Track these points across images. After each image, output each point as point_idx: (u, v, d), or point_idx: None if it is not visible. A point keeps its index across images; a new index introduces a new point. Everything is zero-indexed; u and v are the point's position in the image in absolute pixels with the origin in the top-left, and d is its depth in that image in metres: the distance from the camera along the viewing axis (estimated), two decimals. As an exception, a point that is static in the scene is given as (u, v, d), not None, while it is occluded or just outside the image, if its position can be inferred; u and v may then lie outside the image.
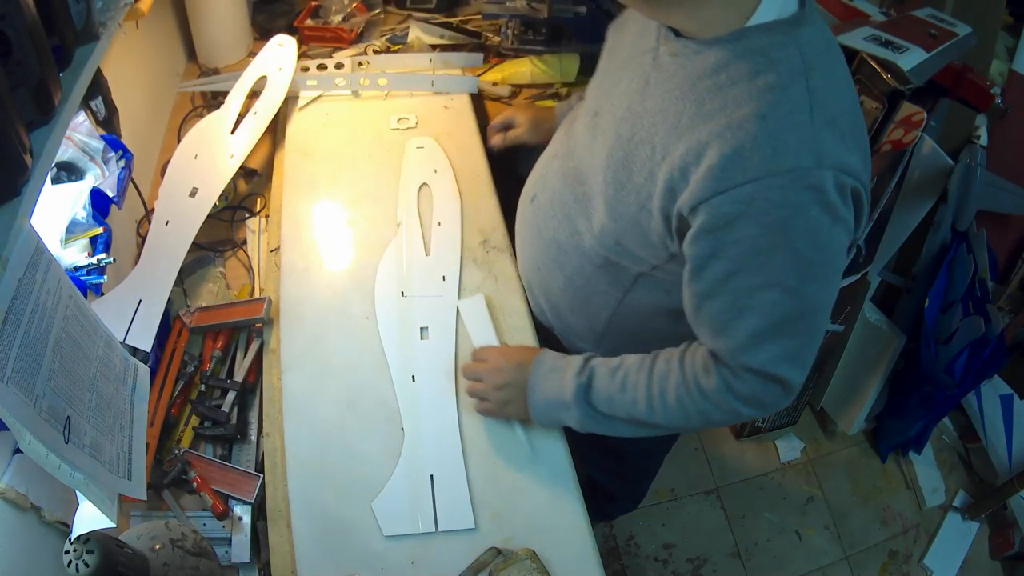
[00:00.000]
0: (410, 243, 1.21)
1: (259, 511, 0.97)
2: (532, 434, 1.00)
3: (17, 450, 0.77)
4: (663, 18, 0.79)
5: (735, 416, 0.86)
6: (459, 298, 1.14)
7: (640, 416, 0.89)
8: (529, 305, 1.16)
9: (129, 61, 1.32)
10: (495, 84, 1.65)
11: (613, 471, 1.51)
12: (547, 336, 1.15)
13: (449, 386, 1.03)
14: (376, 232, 1.25)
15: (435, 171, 1.34)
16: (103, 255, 0.93)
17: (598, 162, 0.88)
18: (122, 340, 1.00)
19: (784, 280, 0.73)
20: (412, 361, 1.05)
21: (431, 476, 0.94)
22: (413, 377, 1.04)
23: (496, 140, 1.38)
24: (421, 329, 1.09)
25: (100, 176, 1.01)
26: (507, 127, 1.38)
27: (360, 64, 1.61)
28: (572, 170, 0.96)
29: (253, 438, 1.05)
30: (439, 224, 1.25)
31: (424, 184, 1.32)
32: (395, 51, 1.71)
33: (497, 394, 0.98)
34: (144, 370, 0.83)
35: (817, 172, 0.68)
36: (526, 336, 1.12)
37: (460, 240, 1.23)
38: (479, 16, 1.79)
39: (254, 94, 1.45)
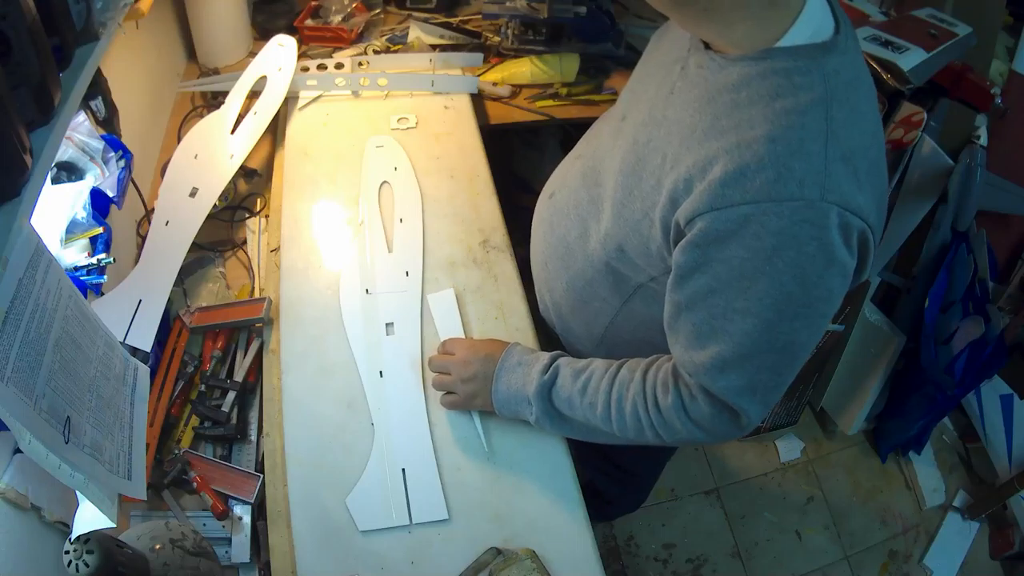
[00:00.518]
0: (372, 241, 1.22)
1: (259, 511, 0.97)
2: (532, 434, 1.00)
3: (17, 450, 0.77)
4: (693, 28, 0.78)
5: (688, 437, 0.84)
6: (423, 293, 1.15)
7: (596, 422, 0.89)
8: (530, 306, 1.16)
9: (129, 61, 1.32)
10: (495, 84, 1.65)
11: (613, 476, 1.51)
12: (549, 337, 1.15)
13: (416, 380, 1.04)
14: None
15: (395, 169, 1.35)
16: (103, 255, 0.93)
17: (614, 165, 0.87)
18: (122, 340, 1.01)
19: (763, 311, 0.71)
20: (379, 357, 1.06)
21: (403, 470, 0.95)
22: (381, 373, 1.04)
23: None
24: (387, 325, 1.10)
25: (100, 176, 1.01)
26: None
27: (360, 64, 1.61)
28: (592, 171, 0.95)
29: (253, 438, 1.05)
30: (400, 221, 1.26)
31: (385, 182, 1.32)
32: (395, 51, 1.71)
33: (464, 387, 0.98)
34: (144, 370, 0.83)
35: (820, 205, 0.66)
36: (527, 337, 1.12)
37: (422, 236, 1.24)
38: (479, 16, 1.79)
39: (254, 94, 1.45)
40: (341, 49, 1.71)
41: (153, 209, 1.23)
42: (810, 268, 0.68)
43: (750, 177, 0.67)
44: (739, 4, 0.70)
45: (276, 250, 1.23)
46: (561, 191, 1.03)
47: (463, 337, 1.09)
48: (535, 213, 1.13)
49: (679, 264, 0.75)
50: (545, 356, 0.95)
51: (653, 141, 0.80)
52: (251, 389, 1.09)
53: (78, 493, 0.66)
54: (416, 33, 1.76)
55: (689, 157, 0.73)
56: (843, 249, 0.68)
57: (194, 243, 1.18)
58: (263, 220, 1.35)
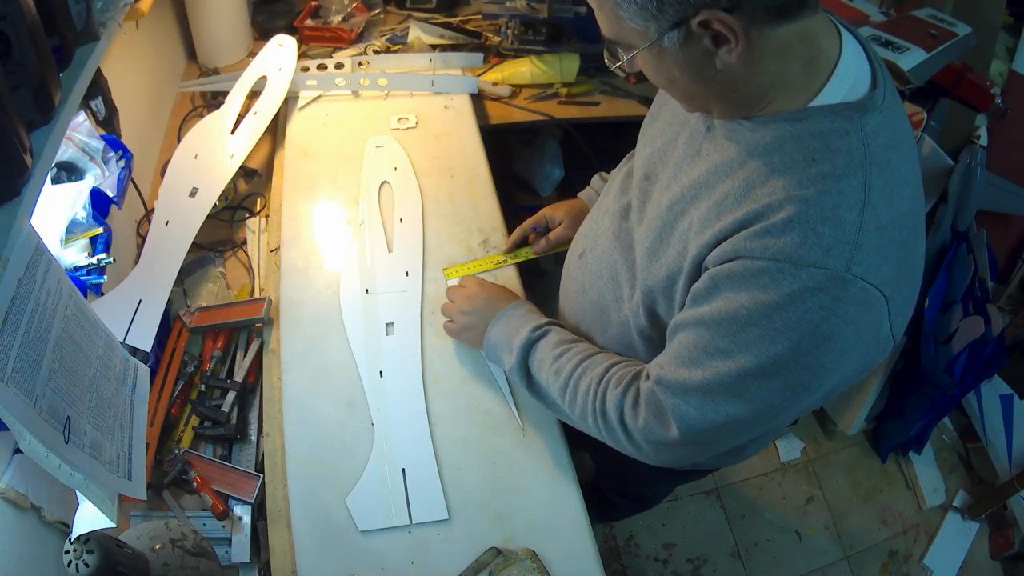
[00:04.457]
0: (372, 241, 1.22)
1: (259, 511, 0.97)
2: (531, 433, 1.00)
3: (17, 450, 0.77)
4: (732, 116, 0.73)
5: (618, 439, 0.83)
6: (423, 292, 1.16)
7: (554, 393, 0.91)
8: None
9: (129, 61, 1.32)
10: (495, 84, 1.66)
11: (630, 496, 1.51)
12: None
13: (416, 380, 1.04)
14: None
15: (395, 169, 1.35)
16: (103, 255, 0.93)
17: (642, 230, 0.84)
18: (122, 340, 1.01)
19: (743, 360, 0.68)
20: (379, 357, 1.07)
21: (403, 470, 0.95)
22: (381, 373, 1.05)
23: (542, 245, 1.21)
24: (387, 325, 1.11)
25: (100, 176, 1.01)
26: (547, 229, 1.23)
27: (360, 64, 1.61)
28: (626, 232, 0.89)
29: (253, 438, 1.05)
30: (400, 221, 1.26)
31: (385, 182, 1.32)
32: (395, 51, 1.71)
33: (462, 318, 1.05)
34: (144, 370, 0.83)
35: (843, 277, 0.62)
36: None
37: (422, 235, 1.24)
38: (479, 16, 1.80)
39: (254, 94, 1.45)
40: (341, 49, 1.71)
41: (153, 209, 1.23)
42: (807, 336, 0.65)
43: (776, 236, 0.64)
44: (778, 82, 0.67)
45: (276, 250, 1.23)
46: (593, 251, 0.97)
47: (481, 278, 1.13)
48: (564, 270, 1.08)
49: (693, 288, 0.73)
50: (543, 318, 0.98)
51: (677, 205, 0.77)
52: (251, 389, 1.09)
53: (78, 493, 0.66)
54: (416, 33, 1.76)
55: (718, 223, 0.70)
56: (850, 327, 0.64)
57: (194, 243, 1.18)
58: (263, 220, 1.35)
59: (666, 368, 0.76)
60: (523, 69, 1.68)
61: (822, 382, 0.69)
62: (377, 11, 1.83)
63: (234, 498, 0.98)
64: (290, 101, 1.49)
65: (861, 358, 0.68)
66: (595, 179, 1.23)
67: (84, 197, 0.95)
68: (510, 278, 1.20)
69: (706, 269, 0.71)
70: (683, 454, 0.80)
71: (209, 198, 1.25)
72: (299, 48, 1.53)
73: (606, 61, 0.74)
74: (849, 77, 0.67)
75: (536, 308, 1.02)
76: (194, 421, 1.05)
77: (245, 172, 1.40)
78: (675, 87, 0.72)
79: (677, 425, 0.75)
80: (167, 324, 1.13)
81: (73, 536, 0.64)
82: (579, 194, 1.25)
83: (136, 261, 1.15)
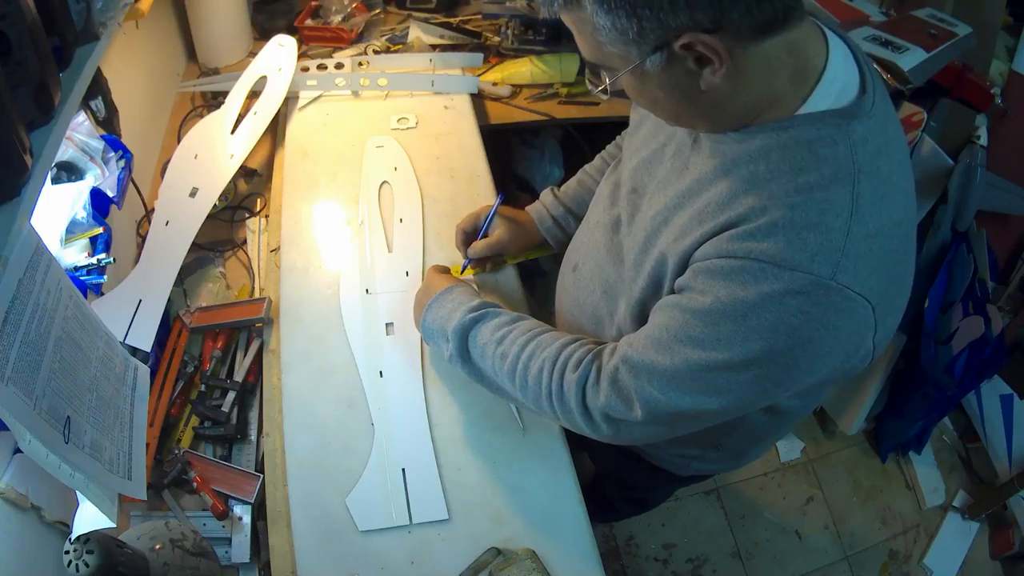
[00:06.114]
0: (372, 241, 1.22)
1: (259, 511, 0.97)
2: (532, 433, 1.00)
3: (17, 450, 0.77)
4: (721, 130, 0.72)
5: (575, 419, 0.81)
6: None
7: (502, 377, 0.87)
8: (529, 308, 1.16)
9: (129, 61, 1.32)
10: (495, 84, 1.66)
11: (630, 502, 1.51)
12: None
13: (416, 379, 1.04)
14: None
15: (395, 169, 1.35)
16: (103, 255, 0.94)
17: (630, 242, 0.83)
18: (122, 340, 1.01)
19: (714, 351, 0.67)
20: (379, 357, 1.06)
21: (403, 469, 0.95)
22: (381, 373, 1.05)
23: (479, 247, 1.14)
24: (386, 325, 1.10)
25: (100, 176, 1.02)
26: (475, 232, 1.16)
27: (360, 64, 1.61)
28: (617, 245, 0.88)
29: (253, 438, 1.05)
30: (400, 221, 1.26)
31: (385, 182, 1.32)
32: (395, 51, 1.71)
33: (413, 310, 1.04)
34: (144, 370, 0.83)
35: (827, 284, 0.61)
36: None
37: (422, 236, 1.24)
38: (479, 16, 1.80)
39: (254, 94, 1.45)
40: (341, 49, 1.71)
41: (153, 209, 1.23)
42: (784, 338, 0.64)
43: (759, 239, 0.63)
44: (765, 96, 0.66)
45: (276, 250, 1.23)
46: (585, 264, 0.96)
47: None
48: (558, 284, 1.06)
49: (677, 281, 0.73)
50: (481, 300, 0.94)
51: (661, 214, 0.76)
52: (251, 389, 1.09)
53: (78, 493, 0.66)
54: (416, 33, 1.76)
55: (699, 229, 0.69)
56: (830, 332, 0.63)
57: (194, 243, 1.18)
58: (263, 220, 1.35)
59: (635, 347, 0.74)
60: (523, 69, 1.68)
61: (796, 381, 0.68)
62: (377, 11, 1.83)
63: (234, 498, 0.98)
64: (290, 101, 1.48)
65: (840, 363, 0.67)
66: (544, 194, 1.18)
67: (84, 197, 0.95)
68: (510, 278, 1.20)
69: (690, 265, 0.71)
70: (644, 434, 0.79)
71: (209, 198, 1.25)
72: (299, 48, 1.53)
73: (588, 84, 0.73)
74: (836, 83, 0.66)
75: (472, 289, 0.99)
76: (194, 421, 1.05)
77: (245, 172, 1.40)
78: (659, 108, 0.71)
79: (641, 406, 0.74)
80: (167, 324, 1.13)
81: (73, 536, 0.64)
82: (528, 208, 1.19)
83: (136, 261, 1.15)
